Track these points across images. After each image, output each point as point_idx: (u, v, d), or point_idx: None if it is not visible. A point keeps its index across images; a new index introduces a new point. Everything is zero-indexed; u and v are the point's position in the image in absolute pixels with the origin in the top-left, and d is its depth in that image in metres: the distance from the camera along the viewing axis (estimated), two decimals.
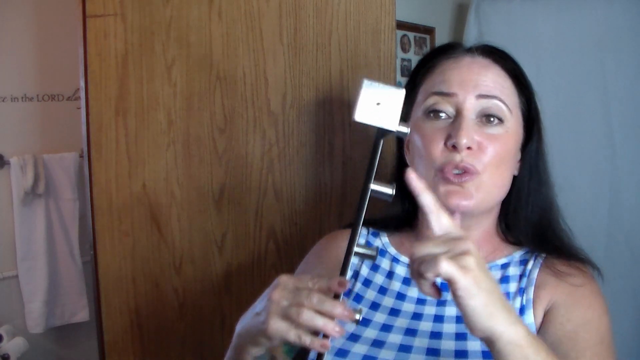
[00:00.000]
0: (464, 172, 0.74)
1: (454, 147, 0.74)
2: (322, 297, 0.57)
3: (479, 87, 0.76)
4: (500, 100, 0.76)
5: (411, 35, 2.04)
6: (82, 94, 1.23)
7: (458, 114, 0.75)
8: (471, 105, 0.75)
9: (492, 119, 0.76)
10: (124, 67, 1.22)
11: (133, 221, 1.24)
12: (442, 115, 0.77)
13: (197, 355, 1.25)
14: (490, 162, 0.75)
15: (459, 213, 0.75)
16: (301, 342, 0.57)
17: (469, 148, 0.74)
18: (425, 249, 0.54)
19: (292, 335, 0.57)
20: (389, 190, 0.58)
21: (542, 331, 0.72)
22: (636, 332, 1.77)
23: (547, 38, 1.88)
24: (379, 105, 0.54)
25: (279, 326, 0.58)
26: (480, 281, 0.52)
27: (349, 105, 1.18)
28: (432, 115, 0.78)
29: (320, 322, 0.56)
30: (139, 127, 1.23)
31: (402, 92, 0.55)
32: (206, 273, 1.23)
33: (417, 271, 0.54)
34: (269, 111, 1.20)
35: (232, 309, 1.23)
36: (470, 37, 1.99)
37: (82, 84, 1.23)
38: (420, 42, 2.08)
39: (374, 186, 0.58)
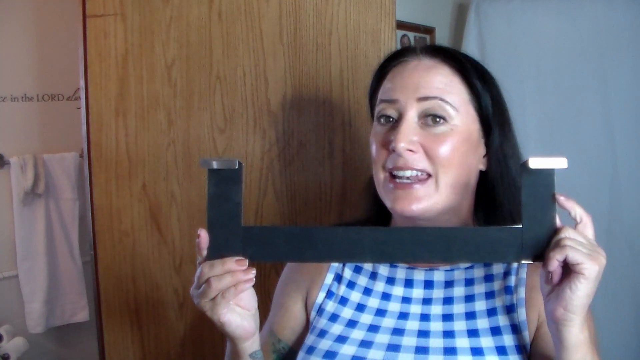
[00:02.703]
0: (425, 175, 0.75)
1: (394, 151, 0.75)
2: (214, 263, 0.66)
3: (419, 90, 0.76)
4: (442, 99, 0.76)
5: (411, 35, 2.04)
6: (82, 94, 1.23)
7: (399, 118, 0.77)
8: (412, 109, 0.76)
9: (437, 119, 0.76)
10: (124, 67, 1.22)
11: (133, 221, 1.24)
12: (391, 119, 0.78)
13: (197, 355, 1.25)
14: (439, 163, 0.75)
15: (409, 217, 0.76)
16: (225, 298, 0.66)
17: (410, 151, 0.74)
18: (574, 234, 0.63)
19: (218, 297, 0.66)
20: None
21: (542, 337, 0.72)
22: (636, 332, 1.77)
23: (547, 38, 1.88)
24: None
25: (203, 305, 0.67)
26: (597, 279, 0.61)
27: (349, 105, 1.18)
28: (381, 120, 0.80)
29: (229, 279, 0.65)
30: (139, 127, 1.23)
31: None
32: None
33: (558, 245, 0.62)
34: (269, 111, 1.20)
35: None
36: (470, 37, 1.99)
37: (82, 84, 1.23)
38: (420, 42, 2.08)
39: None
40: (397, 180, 0.76)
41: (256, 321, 0.72)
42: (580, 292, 0.61)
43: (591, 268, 0.60)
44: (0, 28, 1.91)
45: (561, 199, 0.64)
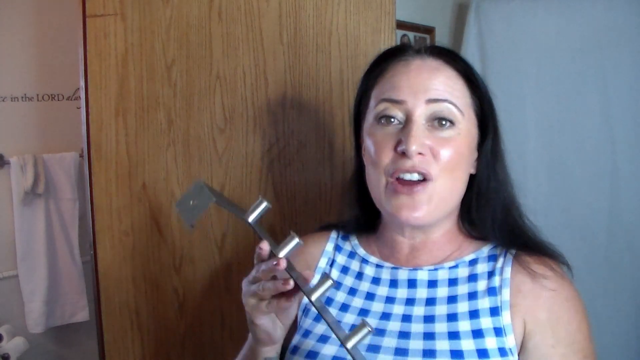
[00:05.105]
0: (423, 179, 0.73)
1: (404, 154, 0.73)
2: (267, 269, 0.67)
3: (428, 91, 0.75)
4: (451, 102, 0.75)
5: (411, 35, 2.04)
6: (82, 94, 1.23)
7: (408, 120, 0.75)
8: (421, 111, 0.75)
9: (443, 122, 0.75)
10: (124, 67, 1.22)
11: (133, 221, 1.24)
12: (393, 120, 0.76)
13: (197, 355, 1.25)
14: (444, 167, 0.74)
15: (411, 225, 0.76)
16: (268, 309, 0.68)
17: (420, 154, 0.73)
18: None
19: (263, 303, 0.69)
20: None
21: (532, 350, 0.72)
22: (636, 332, 1.77)
23: (547, 38, 1.88)
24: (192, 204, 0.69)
25: (248, 301, 0.70)
26: None
27: (349, 105, 1.18)
28: (383, 120, 0.77)
29: (271, 284, 0.67)
30: (139, 127, 1.23)
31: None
32: (206, 273, 1.24)
33: None
34: (269, 111, 1.20)
35: (232, 309, 1.23)
36: (470, 37, 1.99)
37: (82, 84, 1.23)
38: (419, 42, 2.08)
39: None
40: (402, 178, 0.74)
41: (283, 334, 0.75)
42: None
43: None
44: (0, 28, 1.91)
45: None
